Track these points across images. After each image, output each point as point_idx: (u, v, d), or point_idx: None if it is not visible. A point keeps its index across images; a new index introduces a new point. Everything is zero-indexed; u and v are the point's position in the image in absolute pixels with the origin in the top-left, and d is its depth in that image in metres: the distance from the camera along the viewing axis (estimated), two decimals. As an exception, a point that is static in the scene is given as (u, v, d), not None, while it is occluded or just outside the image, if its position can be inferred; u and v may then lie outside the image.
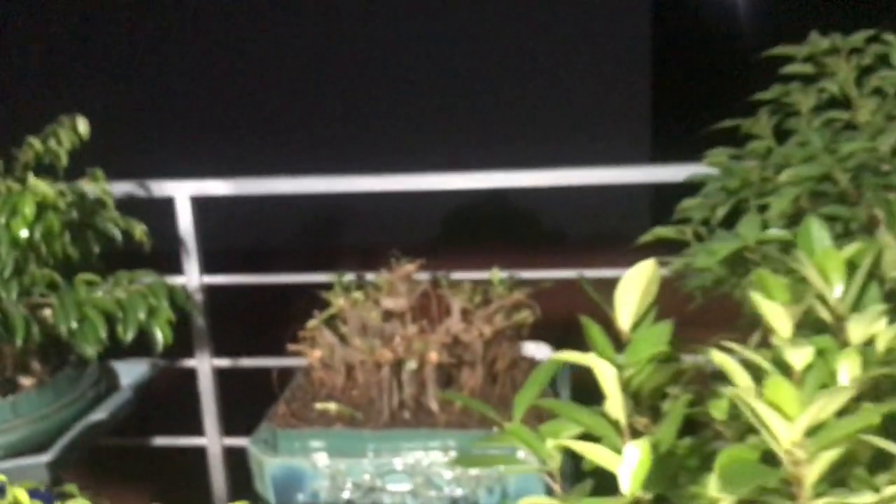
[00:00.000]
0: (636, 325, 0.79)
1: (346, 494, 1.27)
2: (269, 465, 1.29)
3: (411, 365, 1.29)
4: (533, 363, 1.53)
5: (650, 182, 1.64)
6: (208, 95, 4.56)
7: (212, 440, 1.83)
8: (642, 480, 0.66)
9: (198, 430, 1.84)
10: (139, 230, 1.48)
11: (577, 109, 4.52)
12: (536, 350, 1.56)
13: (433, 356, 1.31)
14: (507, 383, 1.43)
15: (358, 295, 1.52)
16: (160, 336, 1.36)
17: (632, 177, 1.64)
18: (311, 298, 1.50)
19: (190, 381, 1.84)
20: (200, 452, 1.86)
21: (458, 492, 1.26)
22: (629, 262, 0.78)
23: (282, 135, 4.51)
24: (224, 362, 1.80)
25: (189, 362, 1.80)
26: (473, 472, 1.25)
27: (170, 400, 1.89)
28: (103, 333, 1.31)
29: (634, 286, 0.77)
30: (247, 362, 1.83)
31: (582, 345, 0.80)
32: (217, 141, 4.35)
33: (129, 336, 1.35)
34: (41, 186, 1.28)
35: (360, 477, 1.27)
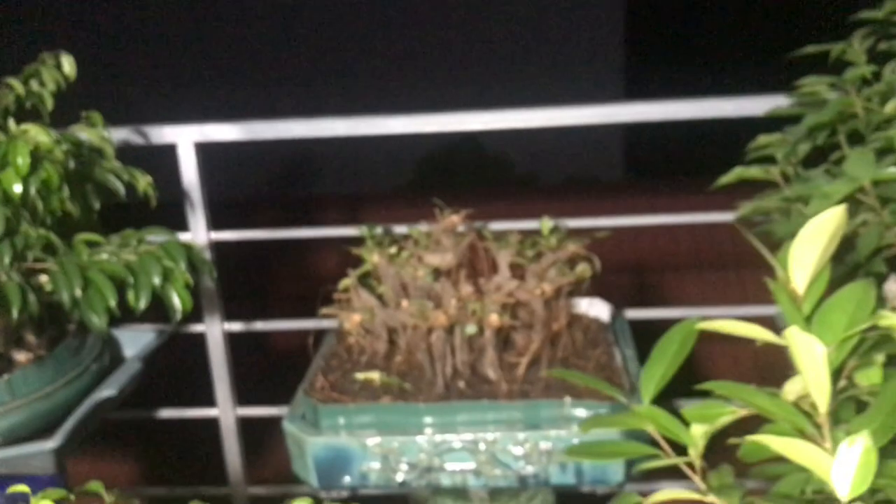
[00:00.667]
0: (811, 287, 0.64)
1: (399, 476, 1.13)
2: (311, 446, 1.14)
3: (470, 329, 1.14)
4: (591, 322, 1.39)
5: (630, 120, 1.47)
6: (196, 38, 4.30)
7: (224, 411, 1.67)
8: (864, 484, 0.52)
9: (208, 400, 1.69)
10: (144, 182, 1.30)
11: (551, 50, 4.34)
12: (590, 306, 1.41)
13: (494, 319, 1.16)
14: (567, 345, 1.28)
15: (393, 250, 1.36)
16: (178, 302, 1.19)
17: (608, 115, 1.46)
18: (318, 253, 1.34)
19: (197, 349, 1.68)
20: (212, 425, 1.70)
21: (528, 469, 1.12)
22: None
23: (268, 81, 4.28)
24: (236, 326, 1.64)
25: (197, 327, 1.64)
26: (544, 446, 1.11)
27: (176, 369, 1.73)
28: (112, 301, 1.14)
29: (817, 238, 0.62)
30: (261, 326, 1.67)
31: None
32: (211, 88, 4.11)
33: (143, 304, 1.18)
34: (36, 132, 1.10)
35: (416, 456, 1.13)
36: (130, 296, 1.18)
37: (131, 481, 1.95)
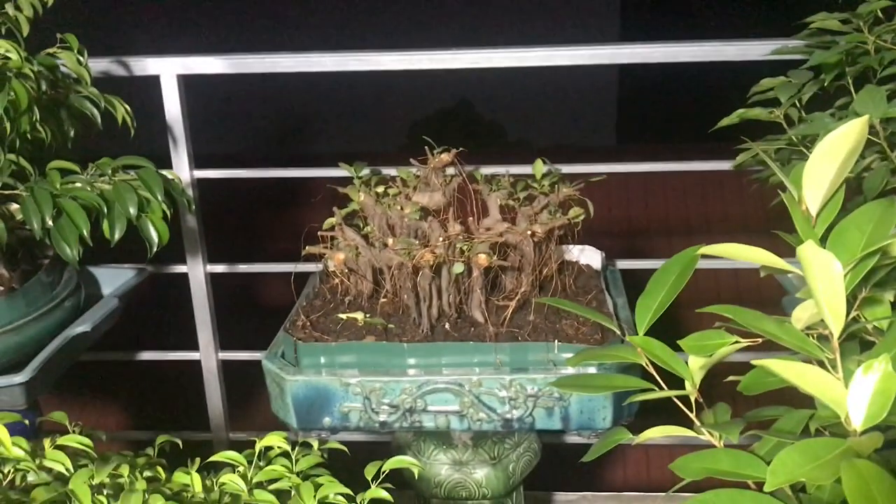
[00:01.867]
0: (826, 206, 0.60)
1: (381, 417, 1.10)
2: (290, 385, 1.10)
3: (458, 268, 1.10)
4: (582, 269, 1.35)
5: (629, 62, 1.40)
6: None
7: (206, 354, 1.64)
8: (882, 412, 0.49)
9: (190, 343, 1.65)
10: (122, 110, 1.25)
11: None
12: (581, 254, 1.37)
13: (482, 259, 1.11)
14: (557, 291, 1.25)
15: (380, 189, 1.31)
16: (154, 234, 1.15)
17: (608, 56, 1.40)
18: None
19: (179, 290, 1.64)
20: (193, 367, 1.67)
21: (513, 413, 1.09)
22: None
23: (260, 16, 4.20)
24: (219, 268, 1.60)
25: (180, 268, 1.59)
26: (531, 390, 1.08)
27: (157, 310, 1.68)
28: (85, 230, 1.10)
29: (832, 156, 0.58)
30: (244, 267, 1.63)
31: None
32: (198, 20, 4.02)
33: (117, 234, 1.13)
34: (4, 48, 1.04)
35: (398, 397, 1.09)
36: (105, 226, 1.14)
37: (110, 426, 1.92)
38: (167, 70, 1.44)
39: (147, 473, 0.77)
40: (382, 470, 0.79)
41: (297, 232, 1.23)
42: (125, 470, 0.74)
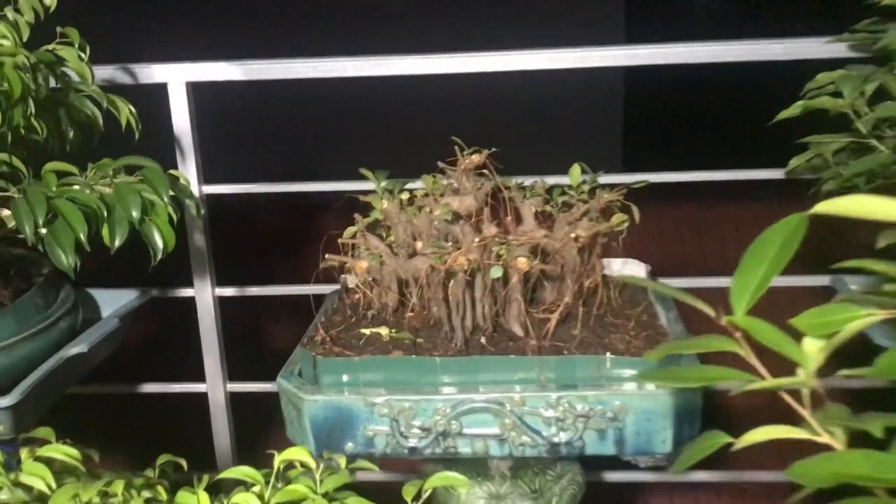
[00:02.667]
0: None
1: (411, 441, 0.97)
2: (308, 406, 0.98)
3: (496, 272, 0.99)
4: (625, 283, 1.23)
5: (670, 62, 1.30)
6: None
7: (213, 386, 1.51)
8: None
9: (197, 374, 1.53)
10: (126, 111, 1.15)
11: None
12: (625, 267, 1.26)
13: (522, 263, 1.00)
14: (602, 304, 1.13)
15: (405, 197, 1.21)
16: (159, 240, 1.04)
17: (643, 57, 1.29)
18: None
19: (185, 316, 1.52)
20: (199, 401, 1.54)
21: (561, 437, 0.96)
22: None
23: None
24: (228, 291, 1.48)
25: (186, 291, 1.48)
26: (581, 409, 0.95)
27: (162, 338, 1.57)
28: (83, 234, 0.99)
29: None
30: (256, 290, 1.51)
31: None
32: (207, 33, 4.00)
33: (117, 241, 1.03)
34: (-3, 29, 0.95)
35: (430, 418, 0.97)
36: (105, 232, 1.03)
37: (110, 462, 1.78)
38: (175, 77, 1.35)
39: (146, 494, 0.65)
40: (424, 489, 0.67)
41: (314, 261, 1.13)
42: (118, 487, 0.61)
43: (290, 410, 1.02)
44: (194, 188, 1.40)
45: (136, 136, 1.16)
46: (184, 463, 0.75)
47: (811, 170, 1.23)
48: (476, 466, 1.09)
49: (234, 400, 1.55)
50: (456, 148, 1.14)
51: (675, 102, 4.57)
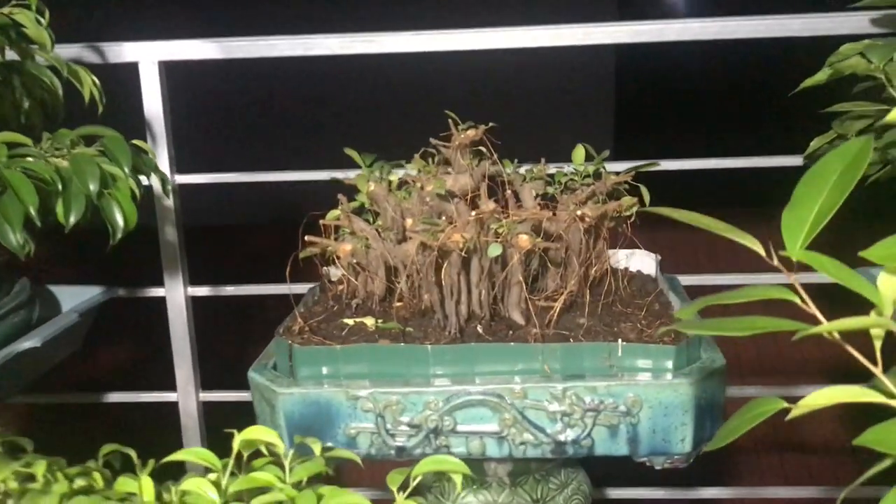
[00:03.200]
0: None
1: (398, 440, 0.86)
2: (283, 400, 0.87)
3: (494, 250, 0.88)
4: (634, 274, 1.14)
5: (683, 39, 1.21)
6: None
7: (185, 395, 1.40)
8: None
9: (168, 382, 1.41)
10: (89, 82, 1.05)
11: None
12: (631, 258, 1.16)
13: (523, 240, 0.90)
14: (610, 293, 1.03)
15: (393, 179, 1.11)
16: (119, 217, 0.93)
17: (656, 34, 1.20)
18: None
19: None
20: (169, 411, 1.42)
21: (567, 434, 0.85)
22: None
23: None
24: (202, 290, 1.37)
25: (156, 291, 1.37)
26: (590, 401, 0.85)
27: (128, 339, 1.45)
28: (33, 208, 0.88)
29: None
30: (231, 290, 1.40)
31: None
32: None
33: (72, 217, 0.92)
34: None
35: (420, 413, 0.86)
36: (59, 208, 0.93)
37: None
38: (147, 56, 1.26)
39: (80, 482, 0.54)
40: (413, 476, 0.56)
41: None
42: (40, 469, 0.50)
43: (262, 407, 0.91)
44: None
45: (100, 109, 1.06)
46: (132, 454, 0.64)
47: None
48: (474, 473, 0.98)
49: (208, 410, 1.43)
50: (450, 122, 1.05)
51: (668, 91, 4.56)
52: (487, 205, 0.92)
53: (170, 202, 1.31)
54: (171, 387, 1.40)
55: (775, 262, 0.48)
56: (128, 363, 2.16)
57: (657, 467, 0.88)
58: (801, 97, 1.10)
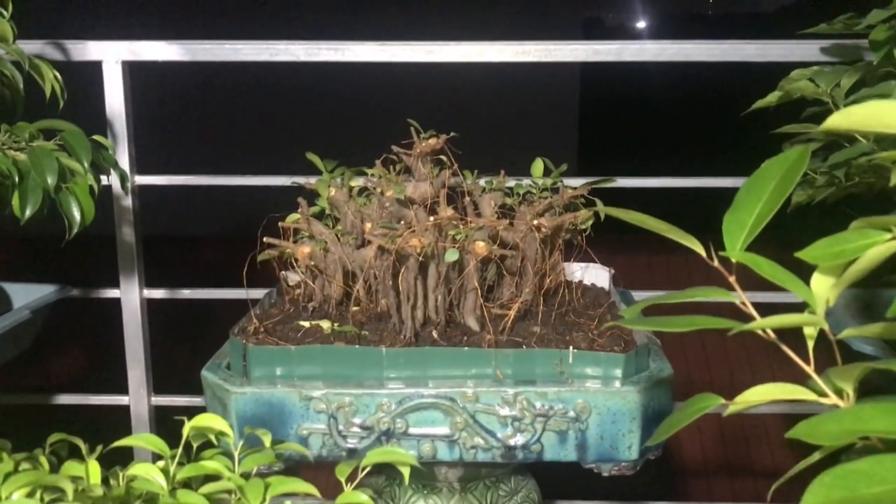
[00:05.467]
0: None
1: (349, 442, 0.87)
2: (235, 399, 0.87)
3: (451, 255, 0.90)
4: (587, 287, 1.16)
5: (640, 60, 1.24)
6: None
7: (137, 398, 1.38)
8: None
9: (119, 385, 1.40)
10: (51, 76, 1.05)
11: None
12: (585, 272, 1.18)
13: (480, 247, 0.92)
14: (564, 304, 1.05)
15: (355, 183, 1.12)
16: (77, 211, 0.93)
17: (614, 53, 1.23)
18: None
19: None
20: (121, 415, 1.41)
21: (518, 439, 0.86)
22: None
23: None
24: (157, 293, 1.37)
25: (111, 292, 1.36)
26: (540, 407, 0.86)
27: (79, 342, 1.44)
28: (-13, 201, 0.88)
29: None
30: (188, 293, 1.40)
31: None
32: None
33: (28, 210, 0.91)
34: None
35: (372, 415, 0.86)
36: (15, 200, 0.92)
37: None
38: (111, 55, 1.25)
39: (25, 466, 0.54)
40: (362, 467, 0.57)
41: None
42: (-15, 449, 0.50)
43: (214, 406, 0.91)
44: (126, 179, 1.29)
45: (61, 105, 1.05)
46: (80, 443, 0.64)
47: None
48: (422, 476, 0.99)
49: (160, 414, 1.42)
50: (412, 131, 1.06)
51: (632, 110, 4.66)
52: (446, 211, 0.94)
53: (128, 202, 1.31)
54: (123, 390, 1.38)
55: (715, 262, 0.50)
56: (79, 366, 2.13)
57: (604, 474, 0.90)
58: (756, 120, 1.14)
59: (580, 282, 1.16)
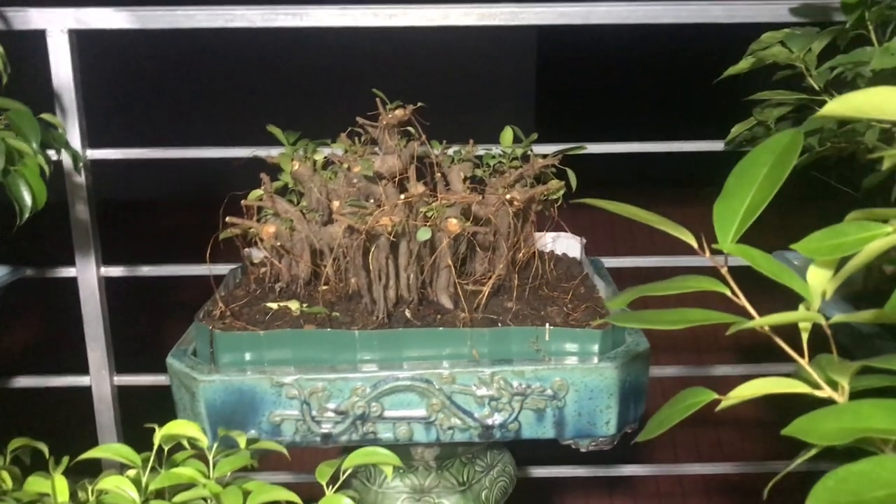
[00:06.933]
0: None
1: (323, 427, 0.85)
2: (204, 388, 0.84)
3: (423, 234, 0.87)
4: (559, 257, 1.14)
5: (606, 22, 1.21)
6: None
7: (98, 379, 1.35)
8: None
9: (79, 365, 1.36)
10: (-8, 51, 0.99)
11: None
12: (556, 242, 1.17)
13: (453, 224, 0.89)
14: (537, 276, 1.03)
15: (319, 157, 1.08)
16: (28, 195, 0.88)
17: (582, 15, 1.20)
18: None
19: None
20: (83, 396, 1.37)
21: (495, 418, 0.85)
22: None
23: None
24: (115, 271, 1.32)
25: (67, 271, 1.31)
26: (517, 385, 0.85)
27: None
28: (-69, 185, 0.83)
29: None
30: (147, 270, 1.35)
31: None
32: None
33: (-24, 195, 0.87)
34: None
35: (347, 399, 0.84)
36: (-40, 185, 0.87)
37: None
38: (55, 24, 1.19)
39: (-16, 483, 0.51)
40: (343, 468, 0.55)
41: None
42: (-57, 471, 0.47)
43: (181, 394, 0.88)
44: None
45: (4, 80, 1.00)
46: (44, 449, 0.61)
47: (751, 141, 1.17)
48: (400, 458, 0.97)
49: (123, 394, 1.38)
50: (378, 101, 1.02)
51: (590, 74, 4.61)
52: (416, 188, 0.91)
53: (81, 178, 1.25)
54: (84, 370, 1.34)
55: (707, 254, 0.49)
56: (38, 347, 2.07)
57: (582, 450, 0.89)
58: (721, 84, 1.12)
59: (552, 252, 1.15)
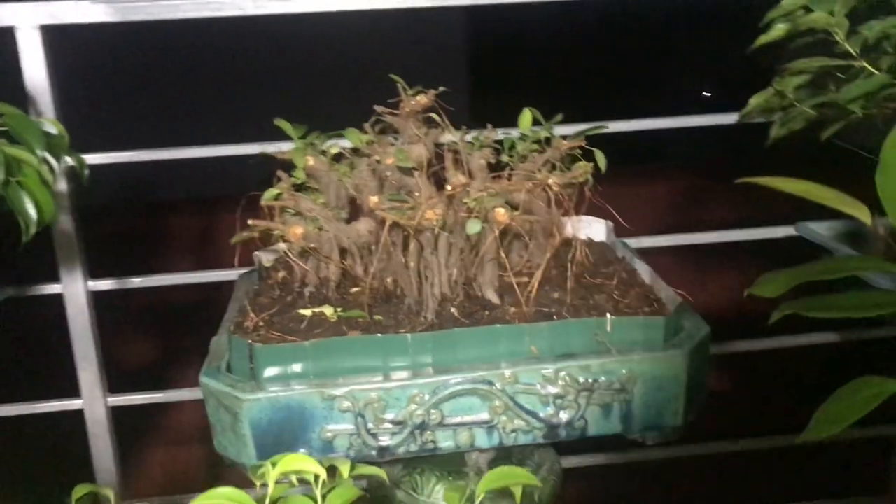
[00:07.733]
0: None
1: (381, 440, 0.79)
2: (248, 407, 0.77)
3: (474, 227, 0.81)
4: (586, 242, 1.10)
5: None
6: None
7: (91, 400, 1.25)
8: None
9: (70, 389, 1.26)
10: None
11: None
12: (579, 226, 1.12)
13: (501, 214, 0.84)
14: (574, 263, 0.98)
15: (334, 150, 1.02)
16: (32, 208, 0.80)
17: None
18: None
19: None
20: (75, 420, 1.28)
21: (561, 416, 0.80)
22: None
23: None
24: (104, 284, 1.23)
25: (51, 288, 1.21)
26: (584, 381, 0.80)
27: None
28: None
29: None
30: (138, 281, 1.26)
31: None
32: None
33: (-27, 212, 0.78)
34: None
35: (404, 408, 0.79)
36: (-45, 201, 0.78)
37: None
38: (25, 20, 1.09)
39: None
40: (477, 494, 0.49)
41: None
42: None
43: (221, 416, 0.81)
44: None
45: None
46: (110, 495, 0.54)
47: (767, 111, 1.14)
48: (450, 464, 0.92)
49: (117, 415, 1.29)
50: (400, 88, 0.96)
51: (522, 52, 4.57)
52: (458, 178, 0.85)
53: (62, 187, 1.16)
54: (75, 393, 1.25)
55: (881, 231, 0.45)
56: (24, 372, 1.93)
57: (649, 442, 0.85)
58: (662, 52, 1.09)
59: (584, 237, 1.10)
